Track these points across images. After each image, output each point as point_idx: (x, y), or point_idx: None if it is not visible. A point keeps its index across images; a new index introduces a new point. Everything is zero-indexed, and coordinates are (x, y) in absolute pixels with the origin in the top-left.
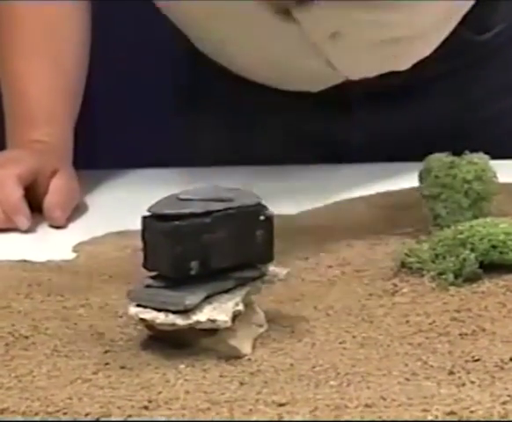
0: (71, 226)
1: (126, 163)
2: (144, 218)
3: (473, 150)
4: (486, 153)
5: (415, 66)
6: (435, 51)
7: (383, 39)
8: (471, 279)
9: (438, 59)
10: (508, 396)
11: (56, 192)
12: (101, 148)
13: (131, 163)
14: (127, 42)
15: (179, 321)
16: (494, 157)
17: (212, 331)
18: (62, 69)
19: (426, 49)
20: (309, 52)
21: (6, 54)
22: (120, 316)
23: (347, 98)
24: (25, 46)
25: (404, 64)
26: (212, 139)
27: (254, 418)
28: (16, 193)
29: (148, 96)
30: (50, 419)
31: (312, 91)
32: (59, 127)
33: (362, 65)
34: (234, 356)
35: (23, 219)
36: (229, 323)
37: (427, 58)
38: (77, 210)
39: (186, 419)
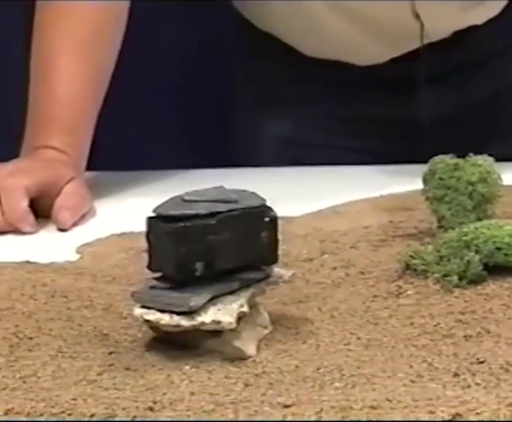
0: (75, 228)
1: (130, 165)
2: (149, 219)
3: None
4: None
5: (473, 41)
6: (494, 26)
7: None
8: (476, 281)
9: (495, 34)
10: None
11: (67, 195)
12: (106, 149)
13: (135, 164)
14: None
15: (184, 322)
16: None
17: (217, 332)
18: (99, 73)
19: (498, 7)
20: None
21: (45, 50)
22: (125, 318)
23: (411, 78)
24: (68, 45)
25: (479, 18)
26: (277, 132)
27: (259, 420)
28: (21, 204)
29: (153, 97)
30: (55, 420)
31: (380, 62)
32: (80, 137)
33: (444, 17)
34: (239, 357)
35: (27, 226)
36: (233, 325)
37: (484, 34)
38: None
39: (190, 420)
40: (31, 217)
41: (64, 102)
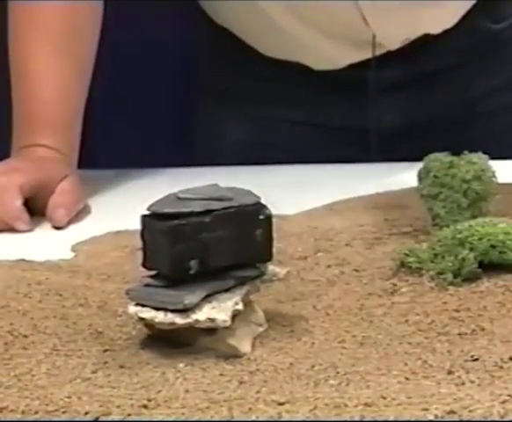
0: (70, 226)
1: (124, 163)
2: (143, 217)
3: (471, 144)
4: (484, 148)
5: (430, 54)
6: (452, 39)
7: None
8: (471, 278)
9: (453, 47)
10: (508, 395)
11: (62, 193)
12: (99, 147)
13: (130, 162)
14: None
15: (179, 320)
16: (491, 153)
17: (211, 330)
18: (80, 72)
19: (453, 17)
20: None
21: (22, 51)
22: (120, 316)
23: (365, 86)
24: (46, 44)
25: (433, 27)
26: (235, 132)
27: (254, 417)
28: (15, 202)
29: (147, 94)
30: (48, 419)
31: (336, 68)
32: (69, 133)
33: (393, 23)
34: (233, 355)
35: (22, 225)
36: (228, 323)
37: (442, 46)
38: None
39: (185, 420)
40: (25, 216)
41: (47, 100)
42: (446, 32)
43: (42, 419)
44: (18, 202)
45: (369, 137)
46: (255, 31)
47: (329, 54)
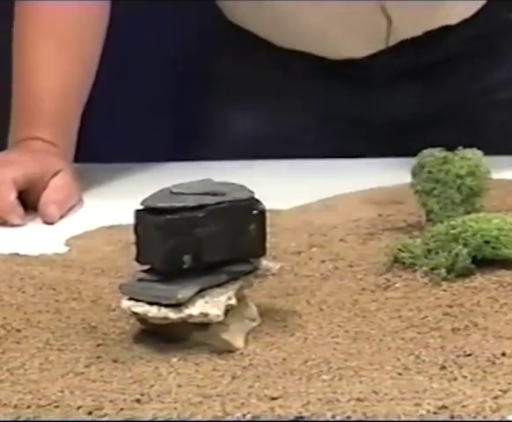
0: (64, 220)
1: (118, 157)
2: (137, 211)
3: (484, 134)
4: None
5: (445, 43)
6: (468, 28)
7: None
8: (464, 274)
9: (469, 36)
10: (500, 390)
11: (55, 189)
12: (93, 141)
13: (124, 156)
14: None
15: (172, 315)
16: (505, 144)
17: (204, 324)
18: (82, 68)
19: (472, 8)
20: None
21: (25, 47)
22: (113, 310)
23: (377, 76)
24: (49, 40)
25: (452, 18)
26: (242, 124)
27: (246, 412)
28: (9, 196)
29: (144, 87)
30: (45, 419)
31: (350, 57)
32: (66, 128)
33: (413, 15)
34: (226, 350)
35: (16, 219)
36: (221, 317)
37: (458, 35)
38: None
39: (177, 419)
40: (19, 209)
41: (45, 94)
42: (462, 21)
43: (35, 420)
44: (12, 196)
45: (381, 129)
46: (268, 23)
47: (343, 45)
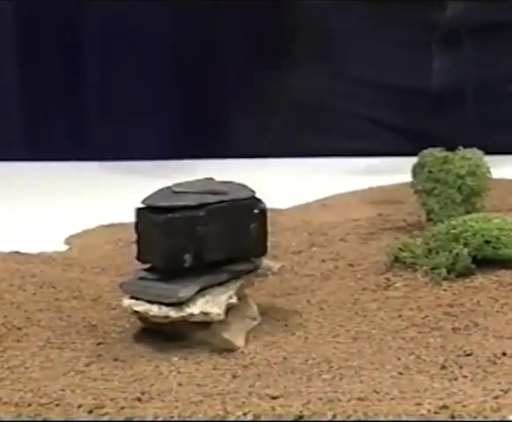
0: (64, 218)
1: (119, 155)
2: (138, 210)
3: None
4: None
5: None
6: None
7: None
8: (464, 274)
9: None
10: (501, 390)
11: None
12: (93, 139)
13: (124, 154)
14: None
15: (173, 313)
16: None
17: (205, 323)
18: None
19: None
20: None
21: None
22: (114, 309)
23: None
24: None
25: None
26: None
27: (247, 411)
28: None
29: (143, 86)
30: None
31: None
32: None
33: None
34: (227, 349)
35: None
36: (222, 316)
37: None
38: (70, 202)
39: (175, 420)
40: None
41: None
42: None
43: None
44: None
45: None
46: None
47: None
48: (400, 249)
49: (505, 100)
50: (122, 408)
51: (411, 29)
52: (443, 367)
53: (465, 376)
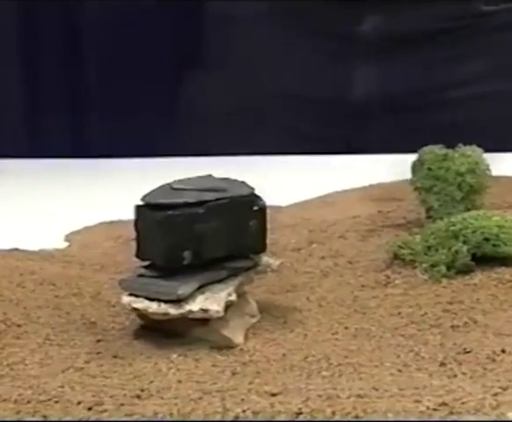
0: (63, 215)
1: (118, 152)
2: (137, 207)
3: None
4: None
5: None
6: None
7: None
8: (464, 271)
9: None
10: (500, 387)
11: None
12: (93, 136)
13: (124, 152)
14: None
15: (172, 310)
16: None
17: (204, 320)
18: None
19: None
20: None
21: None
22: (113, 306)
23: None
24: None
25: None
26: None
27: (246, 408)
28: None
29: (142, 84)
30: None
31: None
32: None
33: None
34: (226, 346)
35: None
36: (221, 313)
37: None
38: (70, 199)
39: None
40: None
41: None
42: None
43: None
44: None
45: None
46: None
47: None
48: (400, 246)
49: (427, 110)
50: (122, 405)
51: (331, 41)
52: (443, 365)
53: (464, 373)
